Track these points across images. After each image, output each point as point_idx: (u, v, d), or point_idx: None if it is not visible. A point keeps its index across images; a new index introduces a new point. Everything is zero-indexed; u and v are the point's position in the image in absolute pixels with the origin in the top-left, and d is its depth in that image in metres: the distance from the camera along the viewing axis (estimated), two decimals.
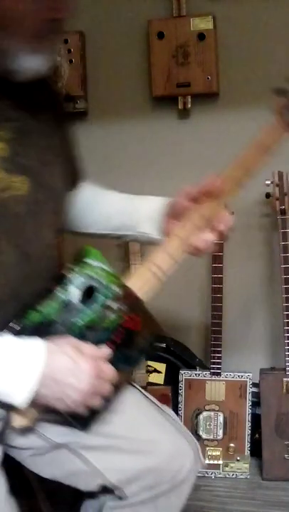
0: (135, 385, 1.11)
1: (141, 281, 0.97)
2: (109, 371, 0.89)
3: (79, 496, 1.55)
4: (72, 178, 1.16)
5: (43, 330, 0.88)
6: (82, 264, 0.92)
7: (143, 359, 1.00)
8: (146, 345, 0.98)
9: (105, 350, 0.90)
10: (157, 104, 2.03)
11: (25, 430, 0.94)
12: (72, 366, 0.84)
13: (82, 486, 1.04)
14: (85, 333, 0.90)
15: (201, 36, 1.90)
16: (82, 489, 1.05)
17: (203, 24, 1.90)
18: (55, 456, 1.00)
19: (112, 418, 1.00)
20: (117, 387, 0.95)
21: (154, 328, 0.98)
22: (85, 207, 1.20)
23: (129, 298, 0.93)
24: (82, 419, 0.92)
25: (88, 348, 0.88)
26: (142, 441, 1.01)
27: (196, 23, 1.90)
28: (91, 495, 1.09)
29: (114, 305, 0.92)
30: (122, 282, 0.94)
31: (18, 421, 0.88)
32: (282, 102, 1.04)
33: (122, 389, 1.00)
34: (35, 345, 0.85)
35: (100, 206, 1.19)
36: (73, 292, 0.90)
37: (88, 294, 0.91)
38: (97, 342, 0.90)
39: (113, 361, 0.91)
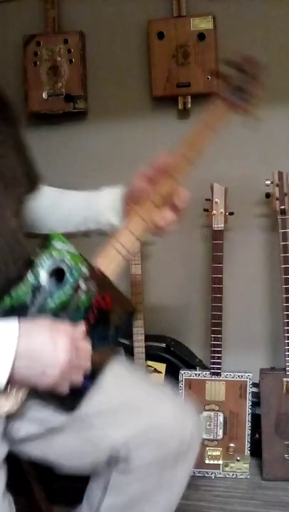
0: (128, 363, 1.14)
1: (107, 260, 1.00)
2: (86, 346, 0.91)
3: (79, 495, 1.55)
4: (30, 179, 1.21)
5: (16, 313, 0.89)
6: (49, 248, 0.95)
7: (121, 336, 1.02)
8: (120, 322, 1.00)
9: (81, 327, 0.92)
10: (157, 104, 2.03)
11: (14, 416, 0.95)
12: (48, 342, 0.85)
13: (90, 458, 1.05)
14: (59, 315, 0.92)
15: (201, 36, 1.89)
16: (89, 464, 1.06)
17: (203, 24, 1.89)
18: (64, 437, 1.02)
19: (110, 389, 1.02)
20: (99, 366, 0.98)
21: (126, 305, 1.02)
22: (47, 208, 1.25)
23: (98, 277, 0.96)
24: (67, 400, 0.94)
25: (64, 325, 0.90)
26: (143, 402, 1.04)
27: (196, 23, 1.90)
28: (96, 473, 1.10)
29: (84, 285, 0.94)
30: (89, 262, 0.97)
31: (3, 406, 0.89)
32: (220, 83, 1.10)
33: (105, 368, 1.02)
34: (8, 324, 0.86)
35: (61, 205, 1.24)
36: (42, 275, 0.93)
37: (58, 276, 0.94)
38: (71, 323, 0.92)
39: (90, 340, 0.93)
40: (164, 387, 1.13)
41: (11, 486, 0.96)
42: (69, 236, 1.19)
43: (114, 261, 1.01)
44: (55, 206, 1.25)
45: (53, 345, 0.85)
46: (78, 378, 0.90)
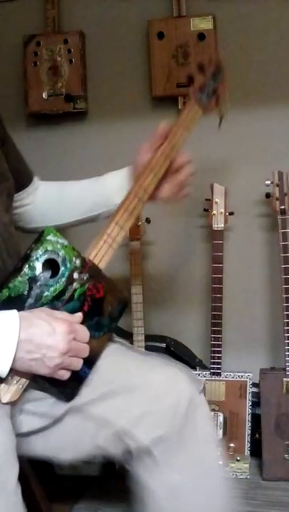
0: (117, 339, 1.15)
1: (98, 252, 1.06)
2: (84, 331, 0.95)
3: (79, 496, 1.55)
4: (22, 174, 1.25)
5: (14, 304, 0.94)
6: (43, 242, 1.00)
7: (114, 324, 1.07)
8: (113, 311, 1.05)
9: (78, 315, 0.97)
10: (157, 104, 2.03)
11: (14, 404, 0.96)
12: (47, 328, 0.89)
13: (93, 444, 1.04)
14: (55, 305, 0.97)
15: (201, 36, 1.89)
16: (90, 454, 1.05)
17: (203, 24, 1.90)
18: (63, 426, 1.02)
19: (104, 374, 1.03)
20: (96, 353, 1.02)
21: (118, 295, 1.07)
22: (53, 200, 1.30)
23: (90, 268, 1.02)
24: (67, 387, 0.97)
25: (61, 313, 0.94)
26: (132, 378, 1.04)
27: (196, 23, 1.90)
28: (133, 485, 1.08)
29: (77, 276, 1.00)
30: (82, 255, 1.02)
31: (5, 395, 0.91)
32: (193, 87, 1.20)
33: (100, 354, 1.04)
34: (8, 314, 0.89)
35: (68, 195, 1.29)
36: (38, 267, 0.98)
37: (53, 268, 0.99)
38: (67, 312, 0.97)
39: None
40: (153, 356, 1.12)
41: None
42: (79, 224, 1.29)
43: (104, 252, 1.07)
44: (57, 198, 1.29)
45: (52, 331, 0.89)
46: (78, 364, 0.94)
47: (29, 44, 1.99)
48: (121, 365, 1.07)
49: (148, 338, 1.95)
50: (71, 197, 1.28)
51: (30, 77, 2.00)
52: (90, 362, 0.99)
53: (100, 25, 2.05)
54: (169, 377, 1.05)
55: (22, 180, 1.27)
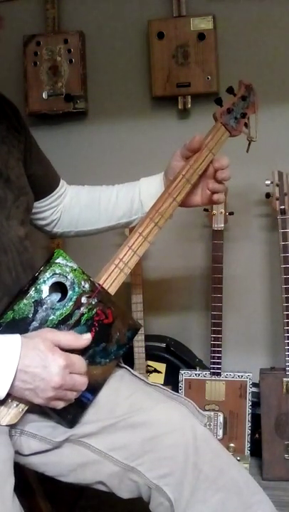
0: (122, 365, 1.13)
1: (108, 277, 1.04)
2: (81, 364, 0.93)
3: (79, 496, 1.55)
4: (49, 178, 1.27)
5: (17, 327, 0.93)
6: (52, 264, 0.98)
7: (123, 352, 1.05)
8: (122, 338, 1.03)
9: (86, 336, 0.95)
10: (157, 104, 2.03)
11: (12, 427, 0.96)
12: (43, 360, 0.88)
13: (93, 476, 1.02)
14: (60, 329, 0.96)
15: (201, 36, 1.89)
16: (95, 480, 1.03)
17: (203, 24, 1.90)
18: (62, 453, 1.01)
19: (100, 396, 1.02)
20: (100, 381, 1.00)
21: (127, 320, 1.04)
22: (84, 205, 1.29)
23: (100, 293, 1.00)
24: (68, 413, 0.96)
25: (66, 335, 0.93)
26: (134, 414, 1.01)
27: (196, 23, 1.90)
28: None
29: (86, 300, 0.98)
30: (91, 279, 1.01)
31: (4, 417, 0.91)
32: (220, 109, 1.18)
33: (105, 382, 1.03)
34: (11, 339, 0.88)
35: (100, 200, 1.27)
36: (45, 290, 0.96)
37: (61, 292, 0.98)
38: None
39: (91, 355, 0.98)
40: (155, 387, 1.09)
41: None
42: (112, 229, 1.29)
43: (115, 277, 1.05)
44: (88, 203, 1.29)
45: (46, 364, 0.88)
46: (72, 396, 0.92)
47: (29, 44, 1.99)
48: (123, 396, 1.04)
49: (148, 338, 1.95)
50: (104, 202, 1.27)
51: (30, 77, 2.00)
52: (93, 389, 0.98)
53: (100, 25, 2.05)
54: (171, 416, 1.01)
55: (50, 183, 1.27)
